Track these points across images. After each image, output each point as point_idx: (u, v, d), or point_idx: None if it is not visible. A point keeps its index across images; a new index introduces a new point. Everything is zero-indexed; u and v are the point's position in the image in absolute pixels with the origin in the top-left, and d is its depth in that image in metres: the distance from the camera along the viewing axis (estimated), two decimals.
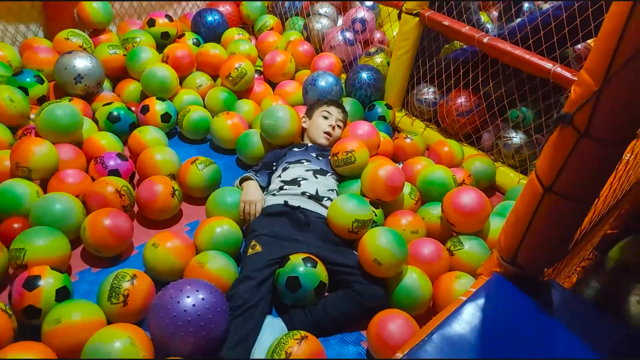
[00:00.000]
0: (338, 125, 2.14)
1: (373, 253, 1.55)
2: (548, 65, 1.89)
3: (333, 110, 2.16)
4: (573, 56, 2.29)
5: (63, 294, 1.43)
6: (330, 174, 1.98)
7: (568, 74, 1.85)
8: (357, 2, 3.02)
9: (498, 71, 2.17)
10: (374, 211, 1.79)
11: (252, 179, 1.91)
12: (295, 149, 2.07)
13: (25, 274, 1.43)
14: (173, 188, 1.82)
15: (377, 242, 1.56)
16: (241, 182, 1.93)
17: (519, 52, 1.96)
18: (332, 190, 1.92)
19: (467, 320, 0.96)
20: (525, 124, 2.22)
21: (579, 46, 2.34)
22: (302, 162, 1.97)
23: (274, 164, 2.05)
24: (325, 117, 2.13)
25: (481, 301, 1.00)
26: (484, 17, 2.80)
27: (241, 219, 1.79)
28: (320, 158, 2.04)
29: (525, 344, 0.93)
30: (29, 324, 1.40)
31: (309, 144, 2.11)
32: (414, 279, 1.60)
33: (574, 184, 0.87)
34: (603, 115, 0.78)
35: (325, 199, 1.85)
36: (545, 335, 0.94)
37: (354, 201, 1.72)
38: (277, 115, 2.10)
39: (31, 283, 1.40)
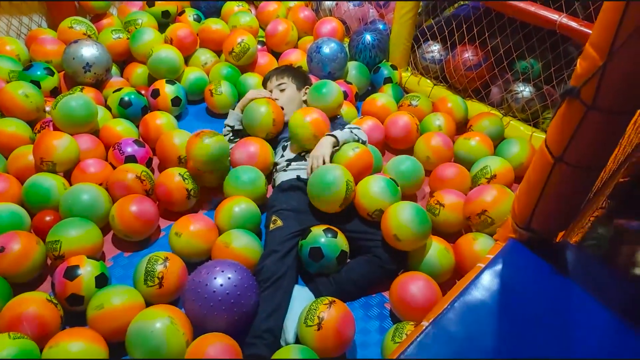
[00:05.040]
0: (280, 90, 2.10)
1: (393, 228, 1.58)
2: (554, 16, 1.87)
3: (267, 85, 2.17)
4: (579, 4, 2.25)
5: (102, 281, 1.51)
6: None
7: (575, 24, 1.83)
8: None
9: (505, 24, 2.14)
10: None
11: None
12: (284, 128, 2.07)
13: (64, 264, 1.51)
14: (187, 190, 1.82)
15: (399, 218, 1.57)
16: None
17: (522, 4, 1.93)
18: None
19: (486, 286, 1.02)
20: (534, 75, 2.21)
21: None
22: None
23: None
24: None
25: (498, 267, 1.06)
26: None
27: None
28: None
29: (541, 305, 0.99)
30: (72, 311, 1.49)
31: None
32: (434, 254, 1.62)
33: (583, 153, 0.91)
34: (609, 88, 0.80)
35: None
36: (560, 296, 1.00)
37: (384, 187, 1.68)
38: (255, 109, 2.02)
39: (71, 273, 1.48)
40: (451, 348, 0.93)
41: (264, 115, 1.97)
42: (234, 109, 2.11)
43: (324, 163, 1.74)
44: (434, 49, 2.46)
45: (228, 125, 2.08)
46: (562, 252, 1.10)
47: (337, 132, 1.85)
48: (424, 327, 0.96)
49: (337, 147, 1.82)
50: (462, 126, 2.33)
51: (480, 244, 1.63)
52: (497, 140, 2.19)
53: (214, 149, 1.83)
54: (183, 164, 1.94)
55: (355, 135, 1.89)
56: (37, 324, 1.36)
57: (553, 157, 0.94)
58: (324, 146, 1.79)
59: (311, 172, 1.75)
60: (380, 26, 2.67)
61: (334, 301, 1.44)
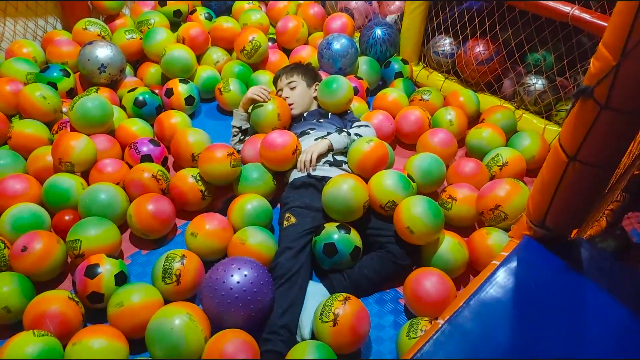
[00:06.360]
0: (291, 88, 2.13)
1: (406, 221, 1.59)
2: (566, 8, 1.85)
3: (277, 84, 2.19)
4: None
5: (121, 278, 1.54)
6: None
7: (587, 16, 1.81)
8: None
9: (516, 17, 2.13)
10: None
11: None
12: (295, 124, 2.10)
13: (84, 263, 1.54)
14: (201, 191, 1.85)
15: (412, 211, 1.59)
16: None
17: None
18: (346, 149, 1.94)
19: (501, 284, 1.03)
20: (546, 68, 2.20)
21: None
22: (309, 132, 2.01)
23: None
24: (280, 95, 2.15)
25: (513, 264, 1.07)
26: None
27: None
28: (322, 121, 2.07)
29: (556, 303, 1.00)
30: (93, 308, 1.53)
31: (304, 114, 2.14)
32: (447, 248, 1.63)
33: (597, 152, 0.91)
34: (622, 88, 0.81)
35: (344, 163, 1.90)
36: (574, 293, 1.01)
37: (397, 181, 1.71)
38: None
39: (92, 271, 1.51)
40: (467, 345, 0.95)
41: (269, 112, 2.00)
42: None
43: (310, 160, 1.83)
44: (446, 43, 2.45)
45: (235, 127, 2.11)
46: (576, 249, 1.10)
47: (334, 138, 1.90)
48: (440, 325, 0.98)
49: (332, 151, 1.90)
50: (475, 120, 2.32)
51: (494, 239, 1.64)
52: (510, 133, 2.18)
53: (225, 171, 1.82)
54: (197, 161, 1.97)
55: (356, 139, 1.90)
56: (60, 322, 1.40)
57: (567, 156, 0.94)
58: (318, 146, 1.87)
59: (303, 167, 1.85)
60: (379, 18, 2.66)
61: (349, 297, 1.46)
